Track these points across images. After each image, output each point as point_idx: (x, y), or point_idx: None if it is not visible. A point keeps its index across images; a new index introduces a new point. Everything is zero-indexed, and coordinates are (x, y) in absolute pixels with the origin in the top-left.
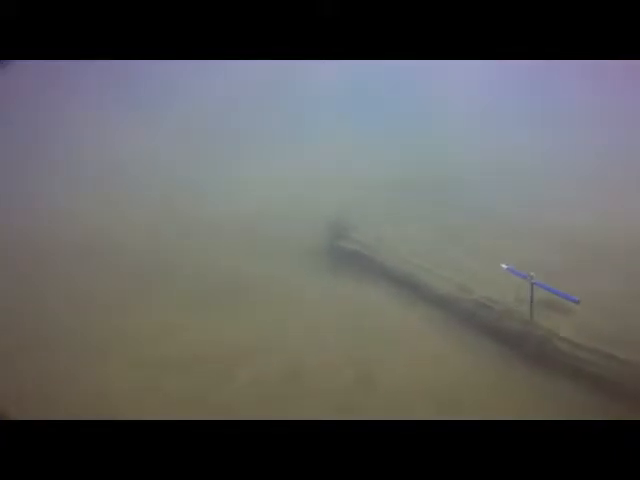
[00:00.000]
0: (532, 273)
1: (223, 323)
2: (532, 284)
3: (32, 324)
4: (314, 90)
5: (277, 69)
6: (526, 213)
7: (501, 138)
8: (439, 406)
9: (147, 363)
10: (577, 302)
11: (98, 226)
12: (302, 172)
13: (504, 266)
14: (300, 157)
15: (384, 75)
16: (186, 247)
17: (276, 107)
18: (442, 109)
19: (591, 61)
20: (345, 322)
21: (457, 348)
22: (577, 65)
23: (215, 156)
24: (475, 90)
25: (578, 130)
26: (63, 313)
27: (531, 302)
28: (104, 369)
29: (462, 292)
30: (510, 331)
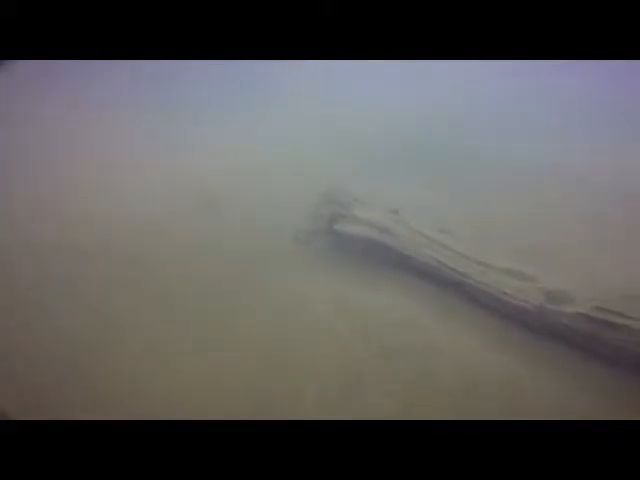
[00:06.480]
0: None
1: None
2: None
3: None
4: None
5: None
6: None
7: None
8: None
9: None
10: None
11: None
12: (281, 132)
13: None
14: (280, 113)
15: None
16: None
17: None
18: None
19: None
20: (357, 343)
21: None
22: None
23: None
24: None
25: None
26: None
27: None
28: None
29: (554, 301)
30: None
